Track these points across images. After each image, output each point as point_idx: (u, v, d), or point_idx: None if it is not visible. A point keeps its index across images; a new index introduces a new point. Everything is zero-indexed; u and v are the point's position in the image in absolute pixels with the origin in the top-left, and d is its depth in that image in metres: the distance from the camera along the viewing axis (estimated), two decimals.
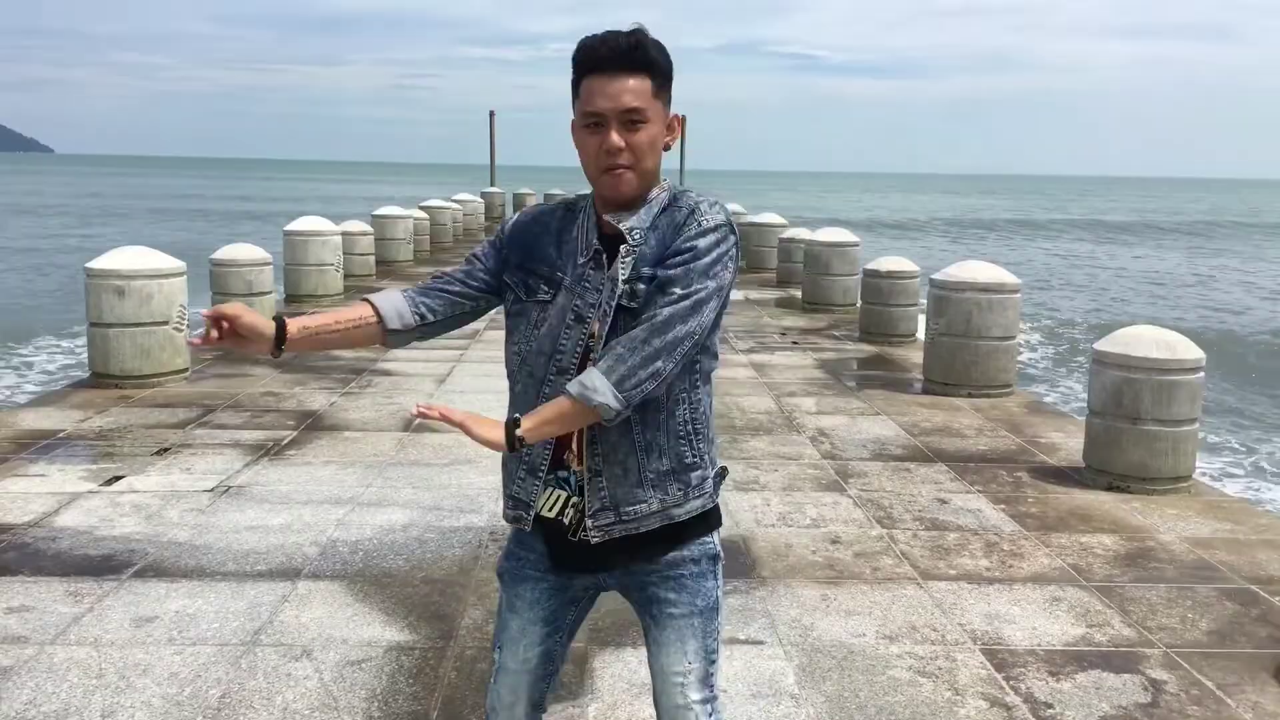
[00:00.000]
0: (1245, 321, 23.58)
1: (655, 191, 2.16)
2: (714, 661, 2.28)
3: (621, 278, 2.08)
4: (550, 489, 2.18)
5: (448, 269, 2.29)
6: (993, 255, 29.59)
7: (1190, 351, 6.32)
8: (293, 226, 14.42)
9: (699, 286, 2.05)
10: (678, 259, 2.06)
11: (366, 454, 6.64)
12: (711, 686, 2.27)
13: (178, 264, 8.88)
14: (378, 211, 19.90)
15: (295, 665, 3.79)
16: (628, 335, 2.03)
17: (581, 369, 2.08)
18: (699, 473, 2.23)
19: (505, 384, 2.27)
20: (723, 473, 2.34)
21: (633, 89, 2.05)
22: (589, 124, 2.08)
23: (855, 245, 14.71)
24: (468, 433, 1.99)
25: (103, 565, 4.71)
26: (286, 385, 8.71)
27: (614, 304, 2.08)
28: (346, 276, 15.10)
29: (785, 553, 5.05)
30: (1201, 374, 6.35)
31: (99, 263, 8.61)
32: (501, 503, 2.27)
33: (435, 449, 6.78)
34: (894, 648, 4.05)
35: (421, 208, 23.40)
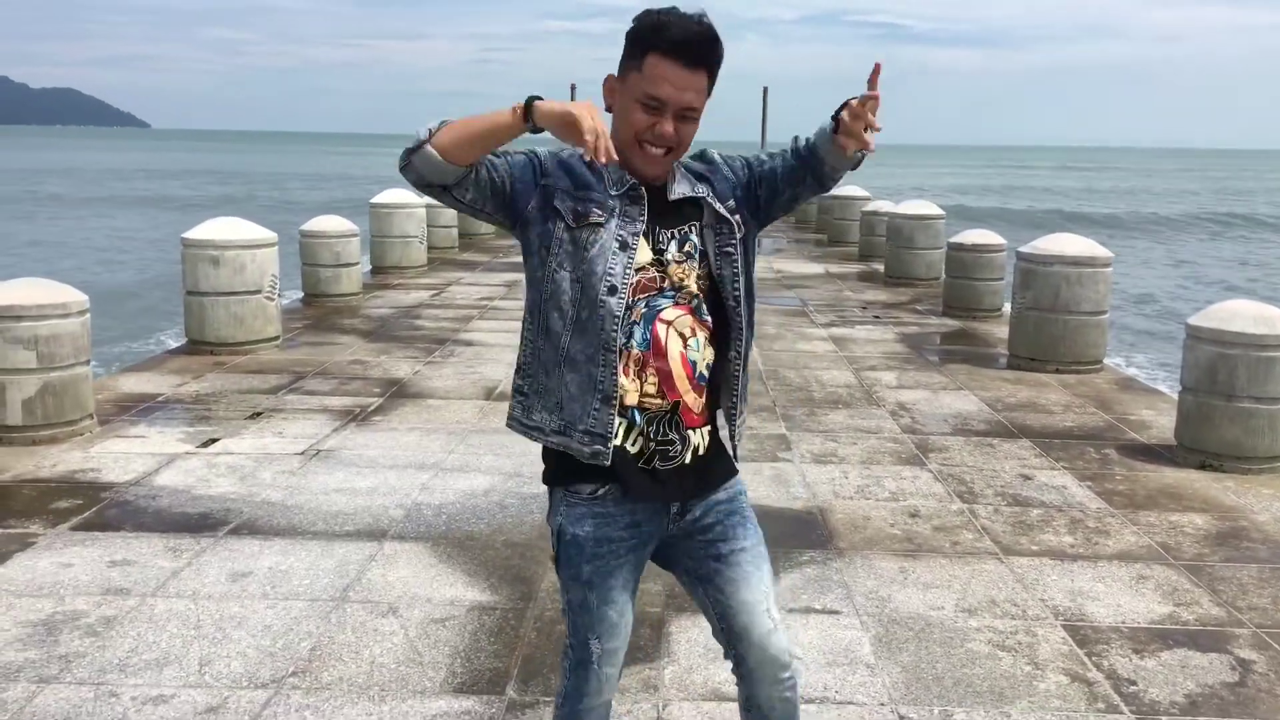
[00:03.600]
0: None
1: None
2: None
3: (720, 209, 2.24)
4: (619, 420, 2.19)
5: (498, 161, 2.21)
6: None
7: None
8: (379, 199, 14.67)
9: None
10: (754, 162, 2.31)
11: (449, 421, 6.78)
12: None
13: (270, 235, 9.12)
14: None
15: (382, 621, 3.91)
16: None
17: (632, 295, 2.17)
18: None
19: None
20: None
21: (697, 87, 2.14)
22: (646, 105, 2.13)
23: (940, 218, 14.46)
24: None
25: (200, 523, 4.90)
26: (373, 354, 8.91)
27: (733, 245, 2.24)
28: (430, 249, 15.34)
29: (863, 525, 5.04)
30: None
31: (194, 233, 8.88)
32: (567, 448, 2.20)
33: None
34: (973, 621, 4.02)
35: None
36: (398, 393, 7.55)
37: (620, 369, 2.15)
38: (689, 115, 2.15)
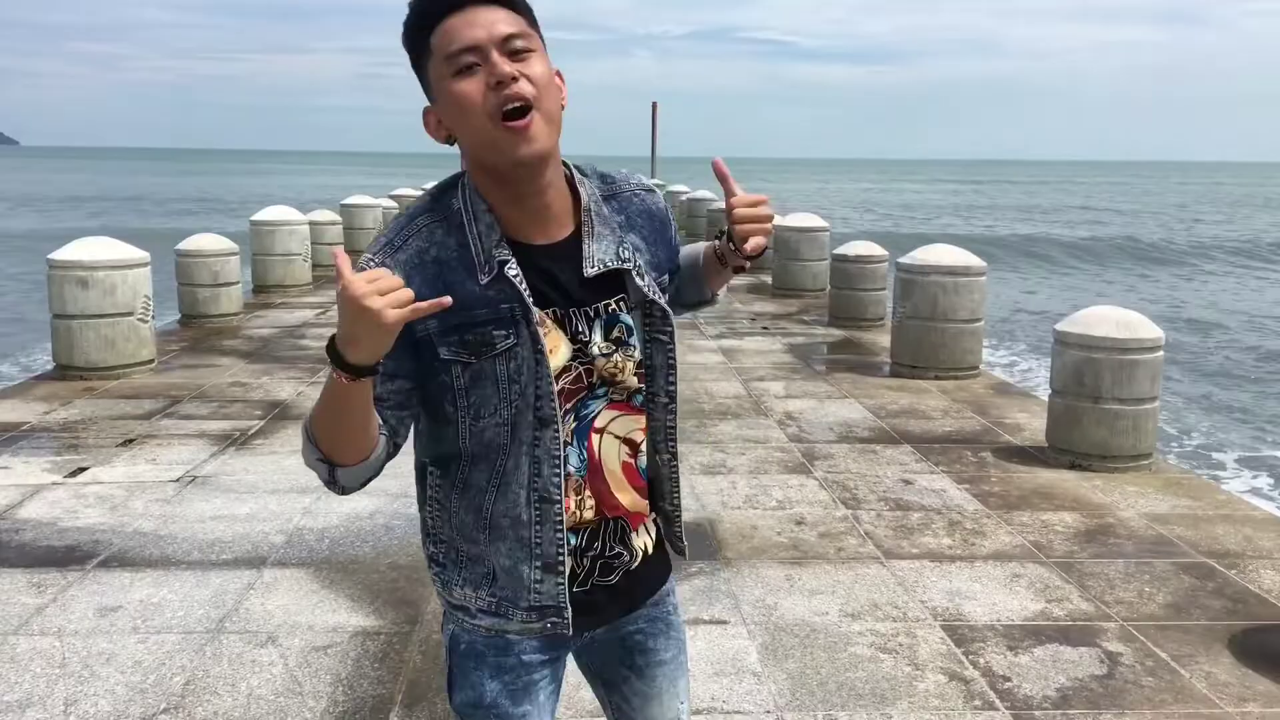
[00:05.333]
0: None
1: (580, 184, 1.75)
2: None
3: (649, 291, 1.76)
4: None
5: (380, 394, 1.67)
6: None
7: (1149, 331, 6.40)
8: (259, 216, 14.31)
9: None
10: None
11: None
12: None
13: (142, 254, 8.81)
14: (346, 200, 19.78)
15: (260, 652, 3.80)
16: None
17: (574, 409, 1.72)
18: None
19: None
20: None
21: (501, 18, 1.61)
22: (463, 68, 1.59)
23: (824, 230, 14.77)
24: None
25: (66, 556, 4.69)
26: (254, 375, 8.67)
27: (664, 333, 1.80)
28: (315, 267, 15.02)
29: (751, 534, 5.09)
30: (1161, 353, 6.44)
31: (61, 254, 8.53)
32: (503, 632, 1.77)
33: None
34: (856, 625, 4.10)
35: (391, 197, 23.28)
36: (280, 415, 7.36)
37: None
38: (519, 50, 1.61)
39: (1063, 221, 52.76)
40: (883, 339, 10.65)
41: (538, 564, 1.72)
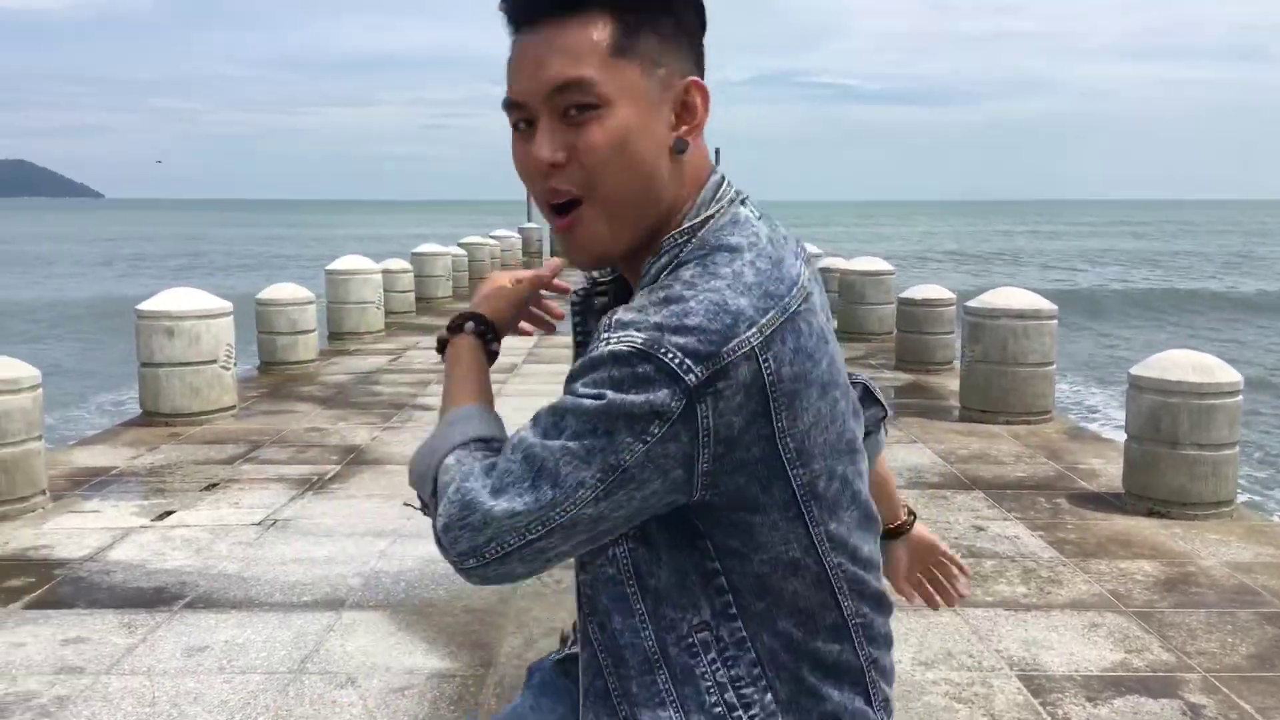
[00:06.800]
0: None
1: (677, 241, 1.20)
2: None
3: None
4: None
5: None
6: None
7: (1227, 375, 6.29)
8: (334, 266, 14.69)
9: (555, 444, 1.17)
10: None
11: (408, 487, 6.74)
12: None
13: (224, 304, 9.11)
14: (417, 249, 20.18)
15: (340, 693, 3.89)
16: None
17: None
18: None
19: None
20: None
21: (563, 48, 1.13)
22: (515, 123, 1.21)
23: (890, 274, 14.71)
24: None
25: (155, 597, 4.85)
26: (330, 421, 8.87)
27: None
28: (388, 314, 15.35)
29: None
30: (1240, 397, 6.32)
31: (149, 304, 8.86)
32: None
33: None
34: (930, 674, 4.07)
35: (460, 245, 23.70)
36: (355, 459, 7.52)
37: None
38: (576, 103, 1.14)
39: (1128, 263, 51.88)
40: (951, 383, 10.55)
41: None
